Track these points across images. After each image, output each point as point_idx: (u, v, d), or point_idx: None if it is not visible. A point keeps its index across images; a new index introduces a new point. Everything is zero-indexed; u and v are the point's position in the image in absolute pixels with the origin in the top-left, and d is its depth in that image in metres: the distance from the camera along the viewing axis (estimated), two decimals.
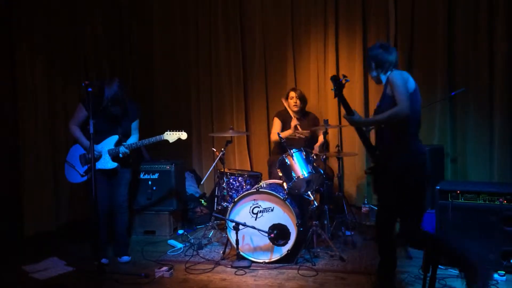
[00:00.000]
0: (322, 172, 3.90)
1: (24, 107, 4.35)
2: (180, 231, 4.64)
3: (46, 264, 3.75)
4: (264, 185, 3.82)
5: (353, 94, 5.12)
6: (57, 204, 4.64)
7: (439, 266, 3.00)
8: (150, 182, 4.65)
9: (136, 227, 4.63)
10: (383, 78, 2.86)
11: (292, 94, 4.74)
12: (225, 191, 4.17)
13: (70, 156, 3.84)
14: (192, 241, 4.24)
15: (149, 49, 5.91)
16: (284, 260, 3.60)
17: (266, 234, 3.58)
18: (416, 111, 2.74)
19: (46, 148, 4.55)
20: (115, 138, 3.73)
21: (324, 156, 4.06)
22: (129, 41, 5.89)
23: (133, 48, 5.92)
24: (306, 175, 3.69)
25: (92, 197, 3.30)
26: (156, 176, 4.66)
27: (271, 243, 3.61)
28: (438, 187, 3.46)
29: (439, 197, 3.44)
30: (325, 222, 3.99)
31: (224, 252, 3.86)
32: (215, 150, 4.90)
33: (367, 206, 4.84)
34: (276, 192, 3.64)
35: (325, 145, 4.29)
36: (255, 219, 3.67)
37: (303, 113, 4.80)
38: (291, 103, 4.72)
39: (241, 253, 3.64)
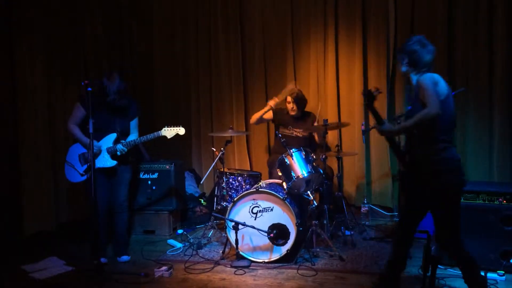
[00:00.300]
0: (322, 171, 3.90)
1: (24, 107, 4.35)
2: (180, 231, 4.64)
3: (46, 263, 3.75)
4: (264, 185, 3.82)
5: (353, 94, 5.13)
6: (57, 204, 4.64)
7: (439, 266, 3.01)
8: (149, 182, 4.66)
9: (135, 227, 4.63)
10: (414, 78, 2.70)
11: (289, 98, 4.62)
12: (224, 190, 4.17)
13: (70, 156, 3.84)
14: (191, 240, 4.25)
15: (149, 49, 5.91)
16: (283, 260, 3.60)
17: (266, 234, 3.58)
18: (448, 116, 2.58)
19: (46, 148, 4.56)
20: (113, 136, 3.73)
21: (323, 156, 4.06)
22: (129, 41, 5.89)
23: (133, 48, 5.92)
24: (305, 174, 3.69)
25: (92, 196, 3.30)
26: (155, 175, 4.66)
27: (270, 243, 3.62)
28: None
29: None
30: (325, 221, 3.99)
31: (223, 252, 3.86)
32: (214, 149, 4.90)
33: (366, 206, 4.84)
34: (275, 192, 3.64)
35: (324, 146, 4.28)
36: (255, 219, 3.67)
37: (303, 114, 4.76)
38: (288, 107, 4.65)
39: (241, 252, 3.64)
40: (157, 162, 4.73)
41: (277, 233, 3.59)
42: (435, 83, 2.55)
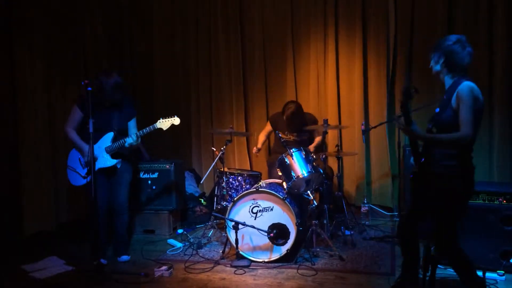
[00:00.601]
0: (322, 171, 3.90)
1: (24, 107, 4.36)
2: (180, 231, 4.64)
3: (46, 263, 3.75)
4: (264, 185, 3.82)
5: (353, 94, 5.13)
6: (57, 204, 4.64)
7: (439, 266, 3.01)
8: (149, 182, 4.66)
9: (135, 226, 4.63)
10: (447, 81, 2.60)
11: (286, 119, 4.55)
12: (224, 190, 4.17)
13: (70, 160, 3.85)
14: (191, 240, 4.25)
15: (149, 49, 5.92)
16: (283, 260, 3.60)
17: (266, 234, 3.58)
18: (477, 130, 2.50)
19: (46, 148, 4.56)
20: (110, 135, 3.72)
21: (323, 156, 4.06)
22: (129, 41, 5.90)
23: (133, 48, 5.93)
24: (305, 174, 3.69)
25: (92, 197, 3.30)
26: (155, 175, 4.67)
27: (270, 243, 3.61)
28: None
29: None
30: (325, 221, 3.99)
31: (223, 252, 3.86)
32: (214, 149, 4.91)
33: (366, 205, 4.85)
34: (275, 192, 3.64)
35: (324, 146, 4.28)
36: (255, 219, 3.67)
37: (300, 121, 4.60)
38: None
39: (241, 252, 3.64)
40: (157, 162, 4.73)
41: (277, 232, 3.59)
42: (475, 98, 2.44)
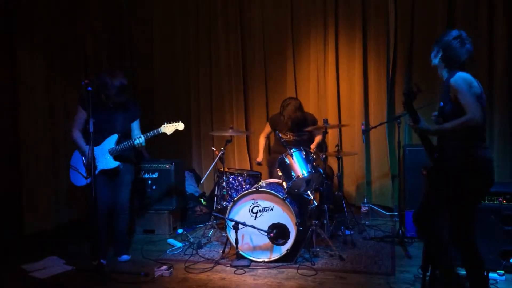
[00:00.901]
0: (322, 171, 3.90)
1: (24, 107, 4.36)
2: (180, 230, 4.64)
3: (46, 263, 3.75)
4: (264, 185, 3.82)
5: (353, 94, 5.13)
6: (57, 204, 4.64)
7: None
8: (149, 181, 4.66)
9: (135, 226, 4.63)
10: (444, 74, 2.62)
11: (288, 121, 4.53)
12: (224, 190, 4.17)
13: (73, 160, 3.84)
14: (191, 240, 4.25)
15: (149, 49, 5.92)
16: (283, 260, 3.60)
17: (266, 234, 3.58)
18: (483, 114, 2.49)
19: (46, 148, 4.56)
20: (114, 137, 3.73)
21: (323, 156, 4.06)
22: (129, 41, 5.90)
23: (133, 48, 5.93)
24: (305, 174, 3.69)
25: (93, 197, 3.30)
26: (155, 175, 4.67)
27: (270, 243, 3.61)
28: None
29: None
30: (325, 221, 3.99)
31: (223, 251, 3.86)
32: (214, 149, 4.91)
33: (366, 205, 4.84)
34: (275, 192, 3.64)
35: (324, 146, 4.28)
36: (255, 219, 3.67)
37: (301, 120, 4.59)
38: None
39: (241, 252, 3.64)
40: (157, 162, 4.73)
41: (277, 232, 3.59)
42: (469, 84, 2.45)
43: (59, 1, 4.75)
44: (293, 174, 3.71)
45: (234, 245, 3.63)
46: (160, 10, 5.86)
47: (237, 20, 5.54)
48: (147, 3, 5.89)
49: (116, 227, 3.87)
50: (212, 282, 3.31)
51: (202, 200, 5.33)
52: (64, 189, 4.67)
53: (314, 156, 3.92)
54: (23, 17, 4.34)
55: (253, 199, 3.69)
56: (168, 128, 3.72)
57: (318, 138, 4.65)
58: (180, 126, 3.75)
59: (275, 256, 3.62)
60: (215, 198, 4.35)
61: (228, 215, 3.71)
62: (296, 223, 3.56)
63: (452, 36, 2.59)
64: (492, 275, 3.11)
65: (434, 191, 2.65)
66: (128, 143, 3.67)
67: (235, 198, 3.73)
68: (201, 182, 5.49)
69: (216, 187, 4.39)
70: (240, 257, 3.64)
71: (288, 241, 3.58)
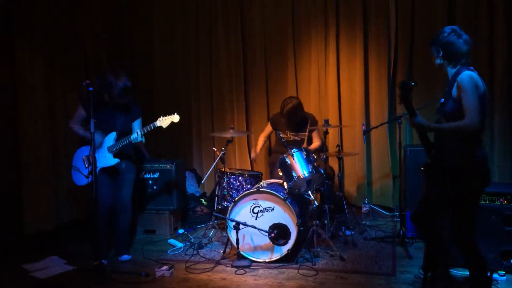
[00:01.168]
0: (323, 171, 3.90)
1: (24, 107, 4.35)
2: (181, 231, 4.64)
3: (46, 263, 3.75)
4: (265, 185, 3.82)
5: (354, 94, 5.13)
6: (57, 204, 4.64)
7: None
8: (150, 181, 4.66)
9: (136, 226, 4.63)
10: (450, 71, 2.60)
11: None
12: (225, 190, 4.17)
13: (75, 160, 3.84)
14: (192, 240, 4.25)
15: (149, 49, 5.91)
16: (284, 260, 3.60)
17: (267, 234, 3.58)
18: (483, 117, 2.48)
19: (46, 148, 4.55)
20: (113, 135, 3.72)
21: (324, 156, 4.06)
22: (129, 41, 5.89)
23: (133, 48, 5.92)
24: (306, 174, 3.69)
25: (94, 197, 3.30)
26: (156, 175, 4.67)
27: (271, 243, 3.61)
28: None
29: None
30: (326, 221, 3.99)
31: (224, 252, 3.86)
32: (215, 149, 4.91)
33: (367, 206, 4.84)
34: (276, 192, 3.64)
35: (324, 147, 4.27)
36: (256, 219, 3.67)
37: (300, 120, 4.61)
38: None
39: (242, 252, 3.64)
40: (158, 162, 4.73)
41: (278, 233, 3.59)
42: (475, 84, 2.44)
43: (59, 1, 4.74)
44: (294, 174, 3.71)
45: (235, 245, 3.63)
46: (160, 10, 5.86)
47: (238, 20, 5.54)
48: (147, 3, 5.88)
49: (117, 226, 3.86)
50: (213, 282, 3.31)
51: (203, 200, 5.33)
52: (64, 189, 4.67)
53: (315, 156, 3.92)
54: (23, 17, 4.33)
55: (254, 199, 3.69)
56: (163, 121, 3.69)
57: (316, 145, 4.62)
58: (175, 118, 3.72)
59: (276, 256, 3.62)
60: (216, 198, 4.35)
61: (229, 215, 3.70)
62: (297, 224, 3.56)
63: (446, 32, 2.60)
64: (493, 275, 3.11)
65: (431, 186, 2.65)
66: (125, 139, 3.67)
67: (236, 198, 3.72)
68: (202, 182, 5.49)
69: (217, 187, 4.39)
70: (241, 257, 3.64)
71: (289, 241, 3.58)
